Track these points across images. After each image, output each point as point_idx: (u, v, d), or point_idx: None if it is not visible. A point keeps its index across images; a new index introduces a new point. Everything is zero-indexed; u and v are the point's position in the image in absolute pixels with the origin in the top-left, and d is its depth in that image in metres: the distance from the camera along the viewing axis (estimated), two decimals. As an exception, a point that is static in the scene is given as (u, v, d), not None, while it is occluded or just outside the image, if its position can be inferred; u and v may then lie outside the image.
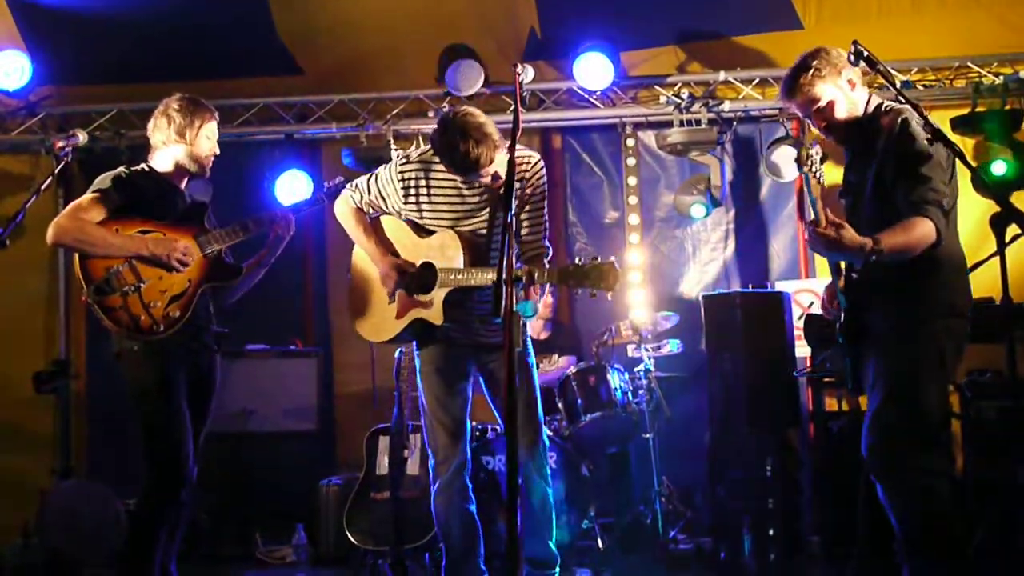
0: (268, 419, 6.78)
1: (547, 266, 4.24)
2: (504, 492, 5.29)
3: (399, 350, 6.00)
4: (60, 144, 4.53)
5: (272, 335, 7.13)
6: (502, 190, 4.22)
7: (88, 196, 4.30)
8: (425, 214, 4.34)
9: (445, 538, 4.45)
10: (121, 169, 4.43)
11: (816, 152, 3.69)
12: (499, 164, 4.10)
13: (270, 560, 6.40)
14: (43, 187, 4.38)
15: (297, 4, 7.17)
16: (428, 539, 5.67)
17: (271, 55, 7.35)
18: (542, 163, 4.38)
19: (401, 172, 4.33)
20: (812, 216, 3.66)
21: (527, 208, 4.32)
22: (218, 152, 4.56)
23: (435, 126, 4.15)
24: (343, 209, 4.54)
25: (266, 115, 7.50)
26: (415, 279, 4.30)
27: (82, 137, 4.66)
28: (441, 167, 4.24)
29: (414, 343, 4.50)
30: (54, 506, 6.32)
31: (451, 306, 4.22)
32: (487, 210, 4.30)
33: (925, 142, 3.62)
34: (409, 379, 5.95)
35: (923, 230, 3.57)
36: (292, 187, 7.20)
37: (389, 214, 4.47)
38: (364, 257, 4.55)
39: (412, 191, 4.32)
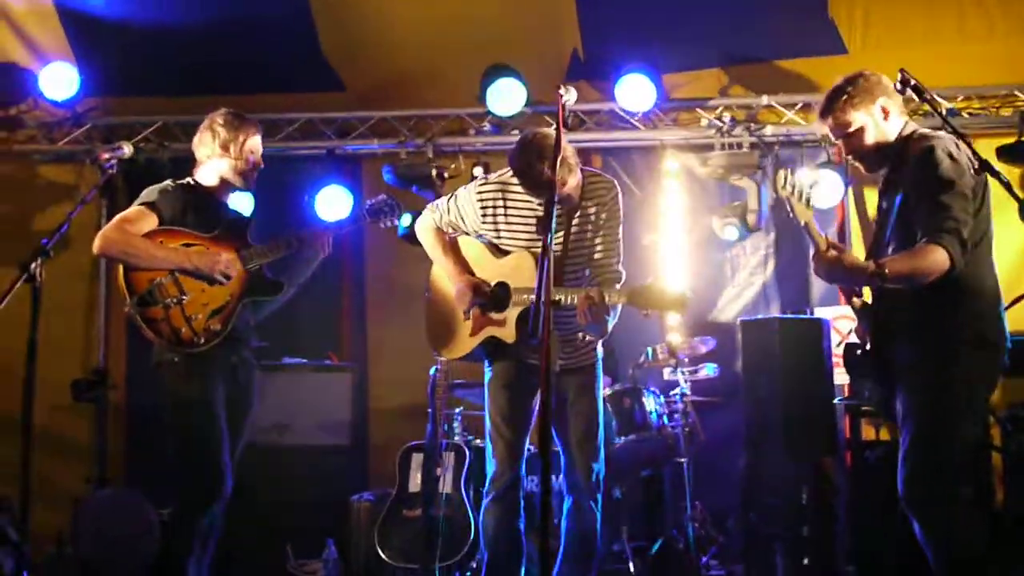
0: (302, 433, 6.78)
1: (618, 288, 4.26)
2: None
3: (434, 367, 6.01)
4: (105, 155, 4.57)
5: (308, 349, 7.15)
6: (576, 211, 4.33)
7: (134, 208, 4.35)
8: (502, 235, 4.39)
9: (490, 548, 4.42)
10: (167, 182, 4.48)
11: (799, 177, 3.70)
12: (574, 184, 4.21)
13: (300, 574, 6.40)
14: (88, 198, 4.44)
15: (342, 21, 7.23)
16: (460, 558, 5.67)
17: (314, 71, 7.41)
18: (618, 188, 4.46)
19: (479, 193, 4.39)
20: (813, 246, 3.66)
21: (601, 232, 4.38)
22: (263, 166, 4.60)
23: (514, 145, 4.23)
24: (424, 227, 4.60)
25: (308, 130, 7.55)
26: (490, 298, 4.35)
27: (127, 149, 4.70)
28: (519, 189, 4.30)
29: (486, 360, 4.53)
30: (88, 515, 6.36)
31: (521, 328, 4.24)
32: (562, 232, 4.33)
33: (949, 170, 3.59)
34: (443, 397, 5.97)
35: (933, 257, 3.53)
36: (332, 202, 7.24)
37: (467, 234, 4.53)
38: (442, 275, 4.59)
39: (490, 212, 4.37)
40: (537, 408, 4.48)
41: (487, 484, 4.45)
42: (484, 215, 4.38)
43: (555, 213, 3.44)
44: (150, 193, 4.39)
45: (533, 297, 4.08)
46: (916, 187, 3.69)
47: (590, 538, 4.40)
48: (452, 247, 4.55)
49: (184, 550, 4.23)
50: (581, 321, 4.09)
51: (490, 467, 4.45)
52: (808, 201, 3.73)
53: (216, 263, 4.32)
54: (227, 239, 4.45)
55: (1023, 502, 5.30)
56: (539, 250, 4.22)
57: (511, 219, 4.36)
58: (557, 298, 4.05)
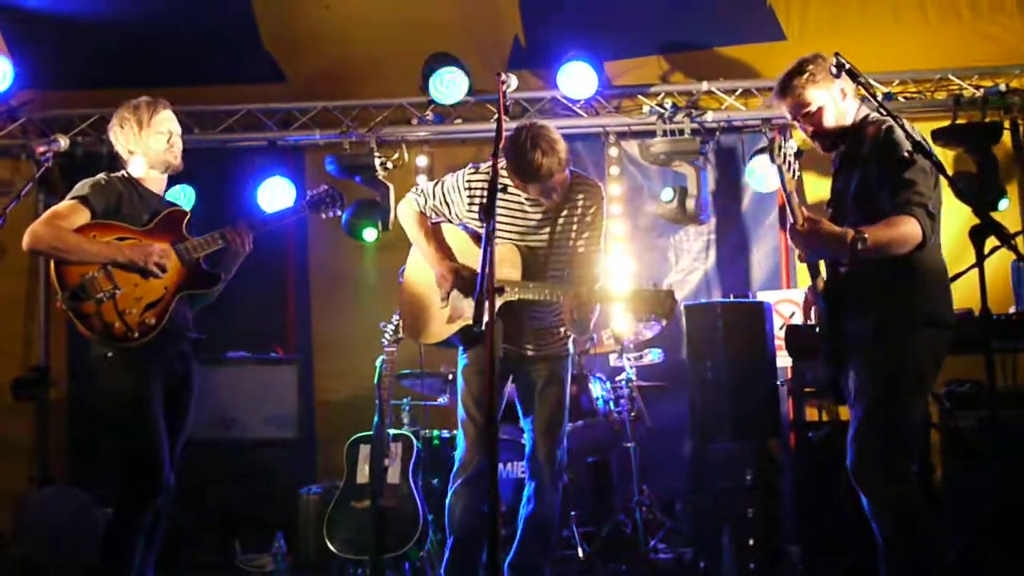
0: (248, 427, 6.75)
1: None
2: (510, 497, 5.36)
3: (381, 358, 5.99)
4: (41, 149, 4.52)
5: (253, 343, 7.10)
6: (561, 211, 4.37)
7: (66, 203, 4.29)
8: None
9: (455, 532, 4.43)
10: (100, 176, 4.42)
11: (790, 147, 3.73)
12: (559, 181, 4.24)
13: (249, 568, 6.36)
14: (23, 192, 4.37)
15: (282, 11, 7.19)
16: (407, 548, 5.66)
17: (255, 62, 7.35)
18: (604, 193, 4.51)
19: (469, 181, 4.40)
20: (791, 219, 3.70)
21: (585, 234, 4.42)
22: (180, 144, 4.52)
23: (510, 133, 4.24)
24: (406, 210, 4.61)
25: (249, 122, 7.49)
26: (471, 284, 4.32)
27: (63, 142, 4.64)
28: (508, 182, 4.32)
29: (460, 347, 4.55)
30: (31, 514, 6.28)
31: (502, 317, 4.21)
32: (548, 229, 4.38)
33: (907, 151, 3.66)
34: (390, 387, 5.96)
35: (908, 228, 3.60)
36: (275, 194, 7.20)
37: (450, 222, 4.54)
38: (419, 261, 4.60)
39: (478, 200, 4.37)
40: (510, 393, 4.60)
41: (455, 468, 4.46)
42: (471, 203, 4.38)
43: (496, 200, 3.51)
44: (82, 187, 4.34)
45: (514, 289, 4.21)
46: (880, 166, 3.75)
47: (550, 523, 4.47)
48: (435, 232, 4.55)
49: (127, 547, 4.19)
50: (567, 319, 4.19)
51: (460, 451, 4.46)
52: (795, 172, 3.77)
53: (149, 256, 4.26)
54: (162, 232, 4.40)
55: (960, 479, 5.40)
56: (522, 244, 4.34)
57: (499, 211, 4.33)
58: (502, 286, 4.09)
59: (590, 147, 7.55)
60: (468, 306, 4.34)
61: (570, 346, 4.61)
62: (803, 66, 3.92)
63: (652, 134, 7.15)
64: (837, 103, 3.92)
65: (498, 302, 4.21)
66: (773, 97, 4.08)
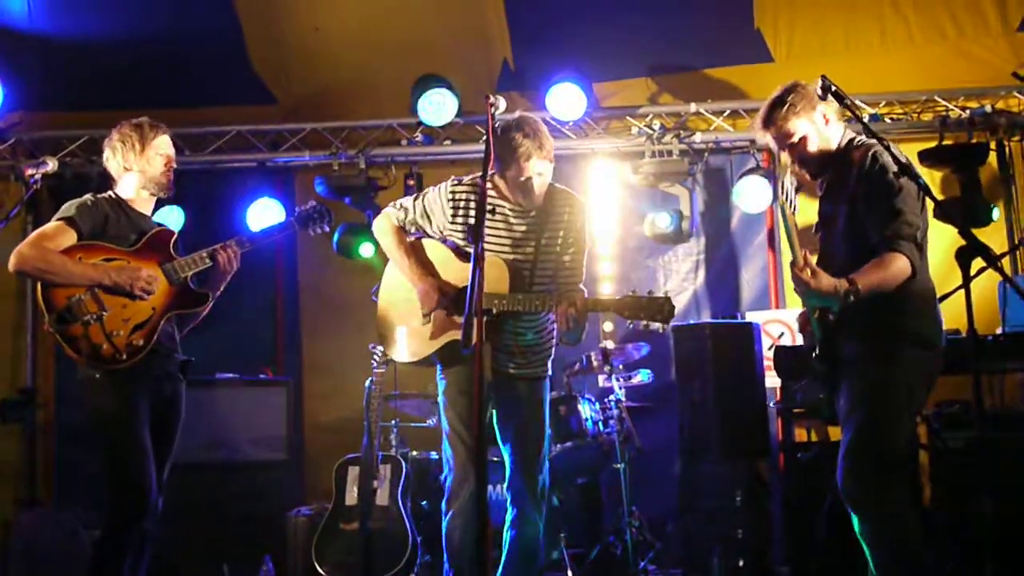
0: (237, 449, 6.72)
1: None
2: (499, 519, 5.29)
3: (369, 380, 5.99)
4: (30, 171, 4.49)
5: (242, 364, 7.08)
6: (547, 224, 4.34)
7: (52, 224, 4.28)
8: (471, 238, 4.31)
9: (455, 559, 4.32)
10: (87, 197, 4.40)
11: (791, 183, 3.73)
12: (540, 185, 4.25)
13: (238, 591, 6.34)
14: (12, 214, 4.36)
15: (271, 33, 7.21)
16: (396, 570, 5.64)
17: (244, 83, 7.37)
18: (587, 209, 4.51)
19: (452, 192, 4.35)
20: (791, 256, 3.71)
21: (570, 249, 4.39)
22: (175, 166, 4.52)
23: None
24: (383, 225, 4.50)
25: (239, 143, 7.49)
26: (455, 302, 4.27)
27: (52, 164, 4.62)
28: (492, 193, 4.29)
29: (439, 365, 4.45)
30: (18, 537, 6.25)
31: (489, 331, 4.15)
32: (533, 241, 4.33)
33: (894, 175, 3.67)
34: (379, 409, 5.95)
35: (897, 266, 3.62)
36: (264, 215, 7.20)
37: (431, 237, 4.47)
38: (396, 278, 4.51)
39: (461, 212, 4.33)
40: (495, 414, 4.49)
41: (448, 494, 4.36)
42: (455, 214, 4.33)
43: (485, 219, 3.45)
44: (68, 208, 4.32)
45: (502, 302, 4.13)
46: (867, 193, 3.76)
47: (533, 548, 4.35)
48: (414, 248, 4.47)
49: (113, 568, 4.16)
50: (562, 326, 4.11)
51: (450, 476, 4.35)
52: (794, 207, 3.77)
53: (136, 278, 4.25)
54: (149, 252, 4.38)
55: (949, 500, 5.40)
56: (507, 257, 4.27)
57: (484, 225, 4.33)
58: (490, 308, 4.07)
59: (579, 168, 7.57)
60: (451, 323, 4.29)
61: (548, 366, 4.53)
62: (784, 97, 3.94)
63: (641, 155, 7.18)
64: (820, 130, 3.93)
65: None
66: (757, 129, 4.11)
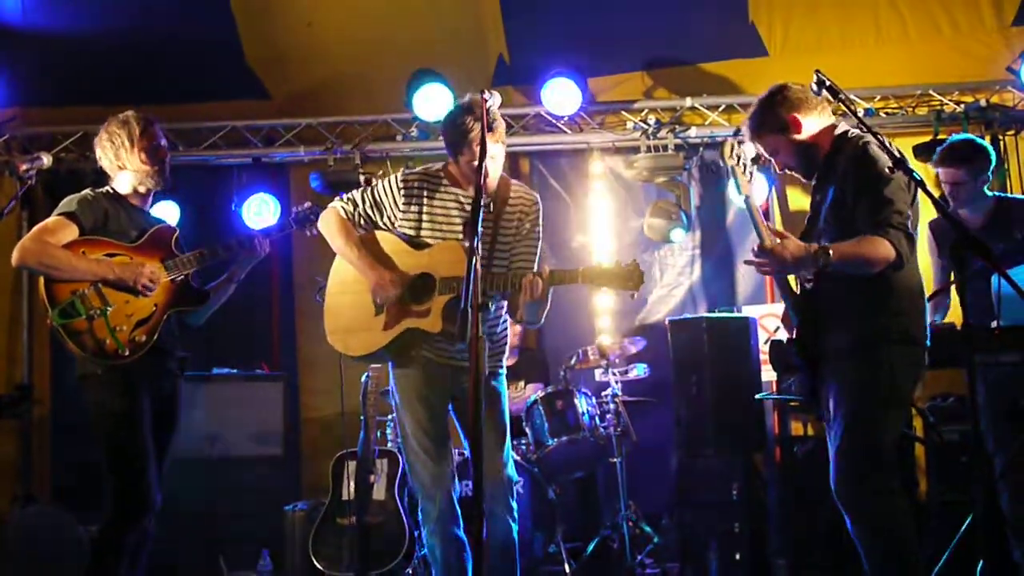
0: (234, 444, 6.72)
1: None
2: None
3: (366, 374, 5.99)
4: (24, 167, 4.48)
5: (238, 359, 7.09)
6: (503, 214, 4.30)
7: (54, 218, 4.27)
8: (424, 225, 4.29)
9: (442, 572, 4.23)
10: (87, 191, 4.40)
11: (746, 150, 3.76)
12: (492, 179, 4.21)
13: (235, 586, 6.35)
14: (7, 210, 4.34)
15: (265, 28, 7.20)
16: (393, 565, 5.64)
17: (239, 79, 7.36)
18: (540, 204, 4.46)
19: (404, 180, 4.30)
20: (757, 237, 3.73)
21: (523, 243, 4.37)
22: (168, 158, 4.50)
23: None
24: (329, 218, 4.40)
25: (234, 138, 7.48)
26: (411, 289, 4.24)
27: (47, 159, 4.60)
28: (445, 181, 4.28)
29: (391, 364, 4.38)
30: (14, 533, 6.24)
31: (448, 317, 4.10)
32: (490, 227, 4.27)
33: (886, 167, 3.68)
34: (375, 404, 5.95)
35: (877, 248, 3.61)
36: (259, 210, 7.20)
37: (380, 228, 4.39)
38: (344, 271, 4.41)
39: (414, 199, 4.29)
40: (452, 408, 4.41)
41: (422, 509, 4.27)
42: (408, 202, 4.28)
43: (481, 216, 3.42)
44: (69, 203, 4.31)
45: (461, 287, 4.08)
46: (855, 183, 3.76)
47: (507, 545, 4.23)
48: (363, 241, 4.37)
49: (113, 566, 4.16)
50: (525, 297, 4.03)
51: (420, 491, 4.26)
52: (751, 176, 3.79)
53: (140, 274, 4.25)
54: (151, 248, 4.39)
55: (945, 492, 5.42)
56: (465, 241, 4.19)
57: (435, 210, 4.28)
58: (487, 300, 4.06)
59: (574, 163, 7.60)
60: (405, 311, 4.22)
61: (503, 362, 4.45)
62: (754, 114, 4.00)
63: (636, 150, 7.19)
64: (791, 138, 3.95)
65: (442, 300, 4.13)
66: (745, 137, 4.12)
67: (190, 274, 4.45)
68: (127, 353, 4.20)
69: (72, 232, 4.24)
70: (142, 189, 4.47)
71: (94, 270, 4.21)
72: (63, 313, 4.15)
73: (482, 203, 3.78)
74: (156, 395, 4.34)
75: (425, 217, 4.30)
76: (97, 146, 4.46)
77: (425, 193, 4.30)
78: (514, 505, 4.27)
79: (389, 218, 4.35)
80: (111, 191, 4.45)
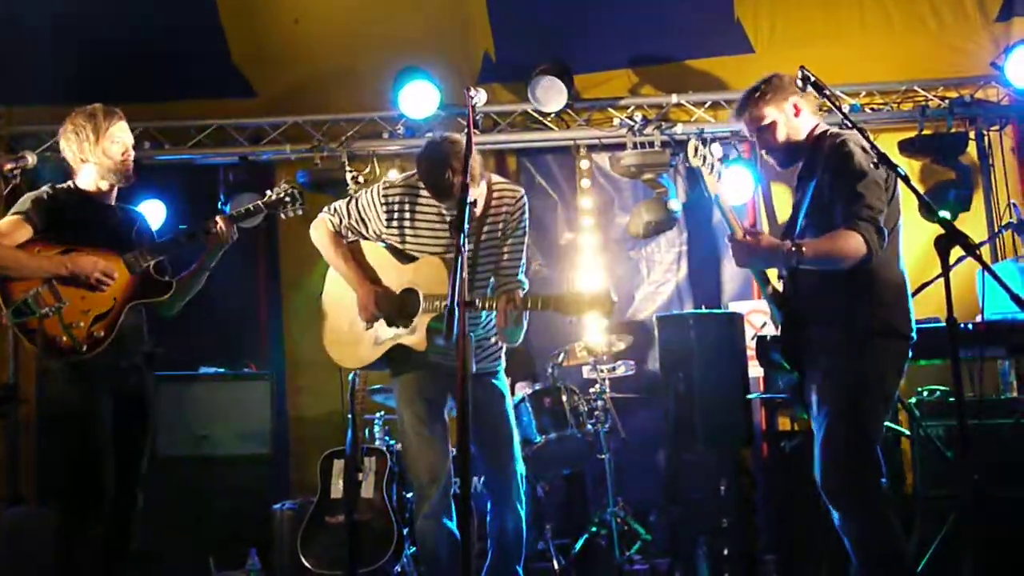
0: (221, 443, 6.71)
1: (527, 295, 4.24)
2: (476, 514, 5.28)
3: (353, 373, 5.98)
4: (8, 166, 4.43)
5: (225, 358, 7.07)
6: (486, 219, 4.28)
7: (8, 219, 4.24)
8: (407, 239, 4.29)
9: (430, 562, 4.32)
10: (44, 189, 4.36)
11: (713, 151, 3.79)
12: (479, 193, 4.16)
13: (224, 585, 6.33)
14: (-10, 210, 4.32)
15: (251, 26, 7.18)
16: (383, 562, 5.64)
17: (224, 77, 7.34)
18: (525, 198, 4.42)
19: (385, 195, 4.29)
20: (728, 231, 3.76)
21: (509, 241, 4.35)
22: (132, 154, 4.45)
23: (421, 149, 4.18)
24: (320, 232, 4.44)
25: (220, 137, 7.47)
26: (396, 307, 4.25)
27: (31, 159, 4.54)
28: (426, 193, 4.23)
29: (390, 371, 4.43)
30: (1, 534, 6.21)
31: (436, 333, 4.13)
32: (473, 236, 4.25)
33: (862, 162, 3.71)
34: (363, 402, 5.94)
35: (849, 242, 3.65)
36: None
37: (368, 239, 4.42)
38: (339, 282, 4.45)
39: (396, 215, 4.28)
40: (453, 412, 4.44)
41: (416, 499, 4.34)
42: (390, 218, 4.29)
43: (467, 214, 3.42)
44: (24, 202, 4.28)
45: (446, 302, 4.08)
46: (832, 178, 3.81)
47: (517, 539, 4.36)
48: (353, 253, 4.41)
49: (76, 559, 4.11)
50: (501, 324, 4.04)
51: (415, 482, 4.34)
52: (719, 175, 3.82)
53: (93, 269, 4.19)
54: (109, 243, 4.32)
55: (931, 486, 5.43)
56: (447, 256, 4.19)
57: (418, 224, 4.27)
58: (473, 299, 4.05)
59: (561, 160, 7.60)
60: (390, 331, 4.26)
61: (503, 360, 4.50)
62: (758, 85, 4.05)
63: (622, 147, 7.18)
64: (789, 119, 4.01)
65: (427, 318, 4.15)
66: (732, 117, 4.20)
67: (150, 266, 4.39)
68: (84, 349, 4.15)
69: (26, 231, 4.20)
70: (104, 185, 4.41)
71: (45, 267, 4.16)
72: (17, 312, 4.09)
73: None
74: (120, 391, 4.28)
75: (408, 232, 4.30)
76: (61, 138, 4.41)
77: (407, 208, 4.29)
78: (523, 496, 4.38)
79: (375, 231, 4.36)
80: (72, 186, 4.40)
